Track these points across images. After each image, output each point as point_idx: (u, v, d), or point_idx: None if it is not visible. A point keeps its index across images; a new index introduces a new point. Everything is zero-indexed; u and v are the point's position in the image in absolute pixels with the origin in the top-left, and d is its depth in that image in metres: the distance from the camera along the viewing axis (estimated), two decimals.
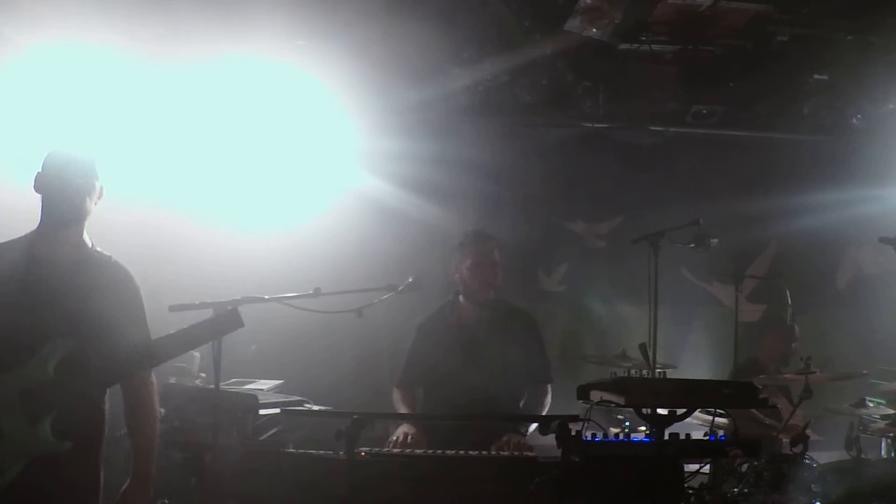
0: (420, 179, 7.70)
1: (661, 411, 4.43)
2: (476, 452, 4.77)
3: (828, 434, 7.35)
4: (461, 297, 5.94)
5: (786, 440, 6.13)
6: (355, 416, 4.17)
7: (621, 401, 4.32)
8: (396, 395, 6.05)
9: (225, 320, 4.34)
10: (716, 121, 8.38)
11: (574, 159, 8.51)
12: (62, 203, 4.33)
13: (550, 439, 4.24)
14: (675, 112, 8.47)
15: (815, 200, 8.30)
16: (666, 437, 4.35)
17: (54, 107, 6.88)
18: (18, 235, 4.45)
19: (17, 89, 6.88)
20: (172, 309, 4.66)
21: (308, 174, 7.80)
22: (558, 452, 4.24)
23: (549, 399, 6.00)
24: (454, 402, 5.68)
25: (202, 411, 5.24)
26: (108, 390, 4.42)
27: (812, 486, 5.85)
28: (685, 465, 4.54)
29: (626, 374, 4.52)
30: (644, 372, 4.96)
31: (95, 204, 4.41)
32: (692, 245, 6.60)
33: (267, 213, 7.69)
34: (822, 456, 6.62)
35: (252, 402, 5.54)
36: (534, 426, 5.52)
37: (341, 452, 4.26)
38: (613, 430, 5.17)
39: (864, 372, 7.03)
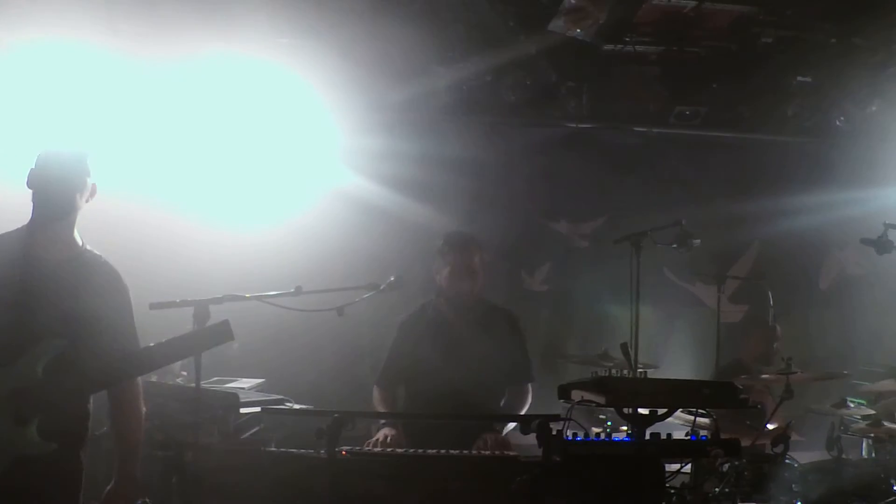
0: (403, 178, 7.70)
1: (642, 411, 4.43)
2: (457, 452, 4.76)
3: (809, 434, 7.38)
4: (442, 297, 5.96)
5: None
6: (336, 415, 4.16)
7: (602, 400, 4.31)
8: (376, 395, 6.04)
9: (215, 332, 4.31)
10: (699, 122, 8.40)
11: (557, 159, 8.51)
12: (52, 198, 4.32)
13: (531, 438, 4.23)
14: (658, 113, 8.49)
15: (798, 202, 8.34)
16: (647, 436, 4.36)
17: (42, 103, 6.88)
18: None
19: (9, 86, 6.88)
20: (153, 307, 4.64)
21: (291, 172, 7.79)
22: (539, 452, 4.23)
23: (529, 398, 5.99)
24: (434, 400, 5.69)
25: (183, 410, 5.24)
26: None
27: (793, 485, 5.87)
28: (666, 465, 4.54)
29: (607, 374, 4.51)
30: (626, 372, 4.95)
31: (87, 201, 4.42)
32: (674, 245, 6.61)
33: (249, 210, 7.67)
34: (804, 456, 6.66)
35: (233, 400, 5.53)
36: (512, 425, 5.52)
37: (322, 451, 4.24)
38: (595, 430, 5.16)
39: (846, 372, 7.05)
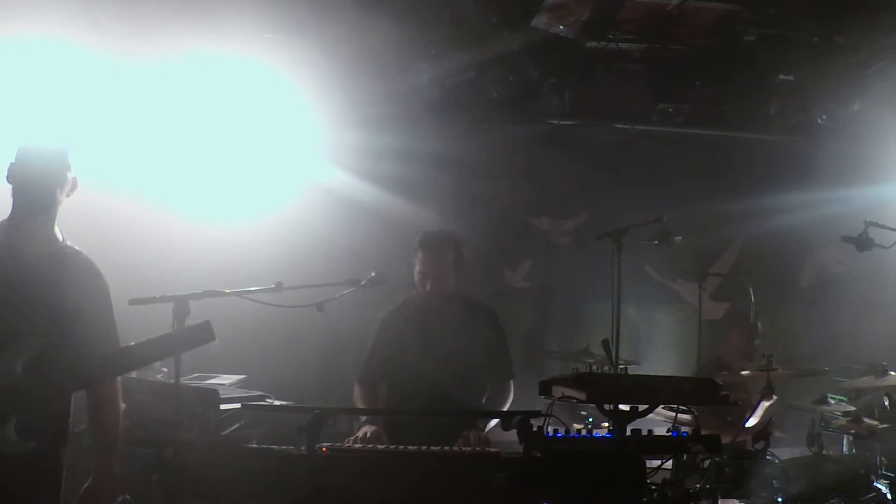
0: (385, 173, 7.69)
1: (623, 407, 4.44)
2: (438, 448, 4.75)
3: (790, 430, 7.39)
4: (421, 294, 5.98)
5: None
6: (316, 412, 4.15)
7: (583, 396, 4.32)
8: (357, 392, 6.03)
9: (196, 333, 4.29)
10: (682, 119, 8.40)
11: (540, 156, 8.51)
12: (32, 193, 4.31)
13: (512, 435, 4.23)
14: (641, 110, 8.48)
15: (780, 199, 8.36)
16: (628, 433, 4.36)
17: (25, 99, 6.82)
18: None
19: None
20: (133, 302, 4.62)
21: (272, 166, 7.76)
22: (520, 448, 4.23)
23: (511, 395, 6.00)
24: (414, 395, 5.71)
25: (163, 406, 5.20)
26: None
27: (774, 481, 5.88)
28: (647, 461, 4.54)
29: (588, 370, 4.51)
30: (607, 368, 4.96)
31: (68, 195, 4.40)
32: (656, 242, 6.62)
33: (230, 205, 7.63)
34: (784, 452, 6.67)
35: (213, 396, 5.50)
36: (494, 421, 5.52)
37: (303, 448, 4.23)
38: (576, 426, 5.16)
39: (827, 369, 7.07)
